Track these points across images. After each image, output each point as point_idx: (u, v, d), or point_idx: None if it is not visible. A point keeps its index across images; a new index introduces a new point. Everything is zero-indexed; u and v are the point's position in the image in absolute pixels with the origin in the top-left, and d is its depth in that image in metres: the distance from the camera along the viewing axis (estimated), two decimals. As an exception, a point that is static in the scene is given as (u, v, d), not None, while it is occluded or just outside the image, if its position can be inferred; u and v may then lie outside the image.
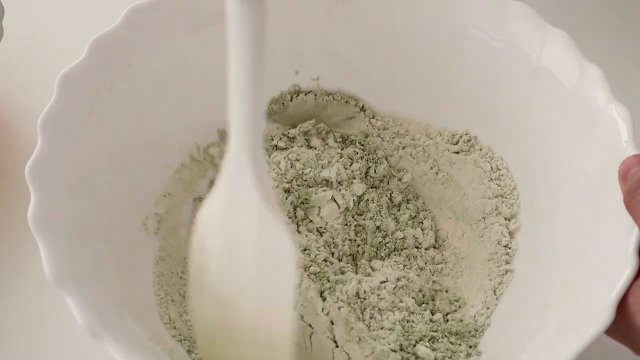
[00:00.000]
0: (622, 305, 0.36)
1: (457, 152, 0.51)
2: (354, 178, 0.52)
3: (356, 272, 0.49)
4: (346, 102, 0.54)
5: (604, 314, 0.35)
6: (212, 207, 0.40)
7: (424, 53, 0.51)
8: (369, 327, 0.45)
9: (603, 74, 0.43)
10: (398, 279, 0.47)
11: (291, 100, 0.54)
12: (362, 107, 0.54)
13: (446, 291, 0.49)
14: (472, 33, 0.48)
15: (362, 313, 0.45)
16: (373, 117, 0.54)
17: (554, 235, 0.45)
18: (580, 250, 0.42)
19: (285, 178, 0.50)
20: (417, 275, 0.49)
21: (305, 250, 0.48)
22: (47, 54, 0.60)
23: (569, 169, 0.44)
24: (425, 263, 0.50)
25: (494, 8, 0.47)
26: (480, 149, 0.51)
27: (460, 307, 0.48)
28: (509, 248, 0.48)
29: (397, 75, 0.52)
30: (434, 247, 0.51)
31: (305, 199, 0.50)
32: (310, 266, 0.47)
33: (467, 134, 0.51)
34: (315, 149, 0.53)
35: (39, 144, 0.41)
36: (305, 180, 0.50)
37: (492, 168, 0.50)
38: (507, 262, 0.47)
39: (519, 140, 0.48)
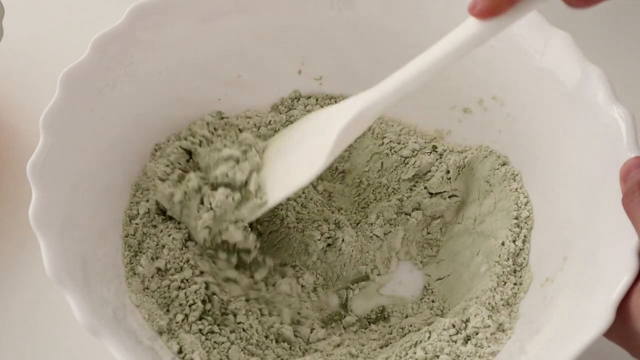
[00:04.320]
0: (622, 307, 0.36)
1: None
2: None
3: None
4: None
5: (604, 316, 0.35)
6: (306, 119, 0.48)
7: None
8: None
9: (605, 75, 0.43)
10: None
11: (292, 105, 0.54)
12: None
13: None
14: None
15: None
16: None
17: (554, 237, 0.45)
18: (580, 252, 0.42)
19: None
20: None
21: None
22: (47, 54, 0.60)
23: (570, 170, 0.44)
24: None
25: (496, 9, 0.47)
26: None
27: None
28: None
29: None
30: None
31: None
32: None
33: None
34: None
35: (40, 142, 0.41)
36: None
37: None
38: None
39: (518, 141, 0.49)
